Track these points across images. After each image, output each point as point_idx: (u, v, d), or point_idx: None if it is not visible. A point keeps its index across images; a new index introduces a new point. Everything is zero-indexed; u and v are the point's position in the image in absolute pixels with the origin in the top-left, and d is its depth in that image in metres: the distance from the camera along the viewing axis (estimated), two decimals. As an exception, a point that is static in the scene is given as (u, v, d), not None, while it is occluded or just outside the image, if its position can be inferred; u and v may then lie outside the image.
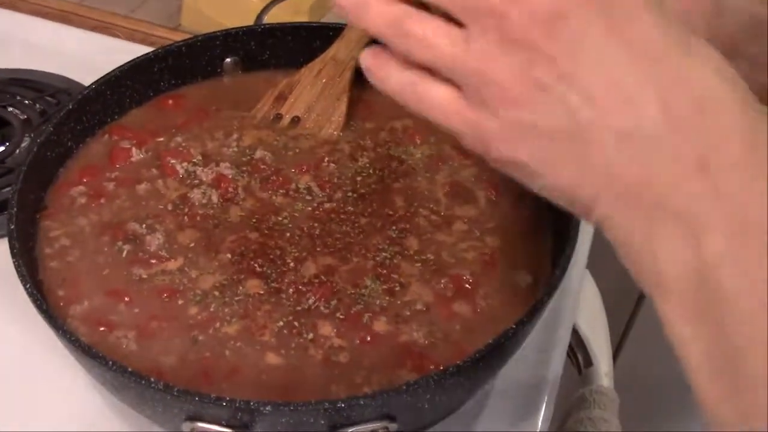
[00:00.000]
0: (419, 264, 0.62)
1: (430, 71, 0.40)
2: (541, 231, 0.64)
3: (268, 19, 0.82)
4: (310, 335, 0.57)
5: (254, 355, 0.56)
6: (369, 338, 0.57)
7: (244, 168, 0.69)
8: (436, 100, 0.40)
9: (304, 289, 0.59)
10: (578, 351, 0.86)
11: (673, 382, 1.17)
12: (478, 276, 0.61)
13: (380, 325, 0.58)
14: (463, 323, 0.58)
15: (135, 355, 0.56)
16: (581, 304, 0.72)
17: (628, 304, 1.11)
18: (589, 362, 0.85)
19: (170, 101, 0.75)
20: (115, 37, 0.96)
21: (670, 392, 1.13)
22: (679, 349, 0.36)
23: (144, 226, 0.64)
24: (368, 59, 0.43)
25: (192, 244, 0.63)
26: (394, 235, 0.64)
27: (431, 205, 0.66)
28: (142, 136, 0.71)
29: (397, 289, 0.60)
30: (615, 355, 0.88)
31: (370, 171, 0.69)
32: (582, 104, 0.36)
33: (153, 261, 0.62)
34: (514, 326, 0.52)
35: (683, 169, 0.35)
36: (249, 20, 0.81)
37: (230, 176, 0.68)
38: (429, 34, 0.39)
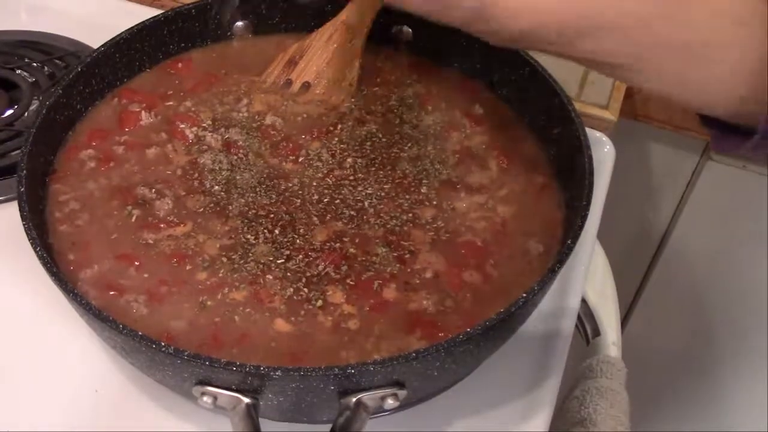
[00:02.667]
0: (430, 232, 0.61)
1: None
2: (553, 200, 0.64)
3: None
4: (320, 302, 0.57)
5: (263, 321, 0.56)
6: (379, 305, 0.57)
7: (254, 134, 0.69)
8: None
9: (314, 256, 0.59)
10: (586, 321, 0.86)
11: (680, 352, 1.17)
12: (489, 244, 0.61)
13: (390, 293, 0.57)
14: (474, 292, 0.58)
15: (145, 319, 0.56)
16: (590, 274, 0.72)
17: (637, 275, 1.10)
18: (596, 332, 0.85)
19: (180, 64, 0.74)
20: (124, -1, 0.95)
21: (677, 362, 1.13)
22: None
23: (153, 190, 0.64)
24: None
25: (201, 210, 0.63)
26: (405, 203, 0.63)
27: (442, 172, 0.66)
28: (151, 99, 0.71)
29: (408, 256, 0.60)
30: (623, 326, 0.88)
31: (381, 137, 0.69)
32: None
33: (162, 226, 0.62)
34: (524, 295, 0.52)
35: None
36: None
37: (240, 142, 0.68)
38: None
